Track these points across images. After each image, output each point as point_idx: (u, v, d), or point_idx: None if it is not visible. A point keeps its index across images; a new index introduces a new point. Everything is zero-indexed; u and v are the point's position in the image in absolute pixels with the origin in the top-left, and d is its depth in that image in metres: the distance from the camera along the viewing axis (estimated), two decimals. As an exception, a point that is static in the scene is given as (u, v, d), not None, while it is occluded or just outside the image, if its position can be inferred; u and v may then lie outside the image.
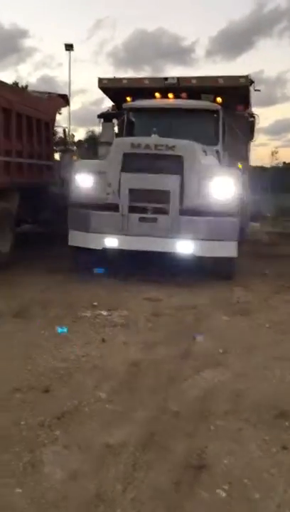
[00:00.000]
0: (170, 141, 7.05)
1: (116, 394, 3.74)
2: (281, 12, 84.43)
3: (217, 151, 8.27)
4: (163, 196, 6.98)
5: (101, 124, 9.08)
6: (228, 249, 7.02)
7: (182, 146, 7.04)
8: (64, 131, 11.67)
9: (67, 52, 33.19)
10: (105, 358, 4.43)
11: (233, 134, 8.99)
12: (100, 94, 10.44)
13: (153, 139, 7.19)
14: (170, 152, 7.01)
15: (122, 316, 5.66)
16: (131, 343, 4.82)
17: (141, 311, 5.86)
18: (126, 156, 7.12)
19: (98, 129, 9.28)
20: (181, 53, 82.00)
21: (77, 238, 7.33)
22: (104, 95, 9.62)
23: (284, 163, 37.77)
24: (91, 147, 26.37)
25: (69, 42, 33.38)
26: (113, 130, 8.78)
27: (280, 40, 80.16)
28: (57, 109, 11.20)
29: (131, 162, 7.10)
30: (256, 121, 8.76)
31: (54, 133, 11.52)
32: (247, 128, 8.75)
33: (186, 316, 5.79)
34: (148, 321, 5.52)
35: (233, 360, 4.46)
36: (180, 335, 5.12)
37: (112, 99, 9.43)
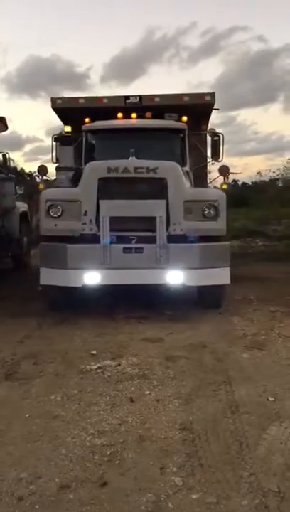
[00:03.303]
0: (151, 163, 6.42)
1: (192, 476, 2.99)
2: (168, 40, 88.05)
3: (187, 172, 7.77)
4: (148, 223, 6.32)
5: (56, 148, 8.24)
6: (221, 277, 6.47)
7: (164, 167, 6.44)
8: (4, 156, 10.65)
9: None
10: (147, 425, 3.65)
11: (198, 154, 8.58)
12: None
13: (131, 161, 6.54)
14: (152, 175, 6.38)
15: (133, 365, 4.87)
16: (164, 400, 4.07)
17: (150, 356, 5.12)
18: (102, 181, 6.39)
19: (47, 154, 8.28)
20: (77, 79, 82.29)
21: (52, 276, 6.43)
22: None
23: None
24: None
25: None
26: (72, 154, 7.98)
27: (169, 67, 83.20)
28: (-4, 134, 10.19)
29: (109, 188, 6.38)
30: (221, 139, 8.39)
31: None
32: (213, 147, 8.34)
33: (202, 357, 5.13)
34: (166, 368, 4.78)
35: (290, 409, 3.87)
36: (211, 382, 4.45)
37: (65, 121, 8.66)
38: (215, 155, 8.42)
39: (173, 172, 6.48)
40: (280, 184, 24.53)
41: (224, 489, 2.85)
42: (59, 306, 6.91)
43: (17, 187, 11.69)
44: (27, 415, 3.83)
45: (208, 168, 9.37)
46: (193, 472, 3.03)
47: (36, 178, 12.21)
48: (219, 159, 8.38)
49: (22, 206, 11.90)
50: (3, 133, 10.73)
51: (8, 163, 10.75)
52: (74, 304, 6.96)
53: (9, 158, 10.81)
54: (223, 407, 3.95)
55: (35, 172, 11.60)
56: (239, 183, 33.46)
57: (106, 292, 7.11)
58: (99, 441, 3.40)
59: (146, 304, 7.12)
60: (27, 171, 29.55)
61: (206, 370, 4.76)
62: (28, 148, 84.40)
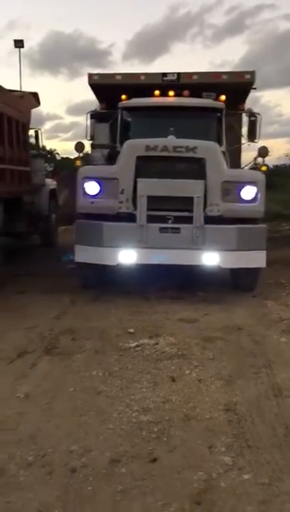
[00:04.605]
0: (191, 142, 6.34)
1: (241, 456, 3.00)
2: (193, 17, 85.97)
3: (224, 153, 7.65)
4: (185, 204, 6.26)
5: (91, 125, 8.17)
6: (258, 260, 6.41)
7: (204, 147, 6.35)
8: (36, 133, 10.63)
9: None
10: (191, 404, 3.66)
11: (233, 134, 8.45)
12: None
13: (170, 140, 6.46)
14: (191, 154, 6.31)
15: (171, 344, 4.88)
16: (206, 381, 4.08)
17: (187, 336, 5.11)
18: (140, 159, 6.33)
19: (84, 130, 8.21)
20: (98, 56, 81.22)
21: (88, 254, 6.44)
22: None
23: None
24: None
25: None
26: (107, 131, 7.92)
27: (193, 45, 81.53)
28: (31, 110, 10.16)
29: (147, 166, 6.33)
30: (258, 120, 8.24)
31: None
32: (250, 128, 8.19)
33: (240, 339, 5.11)
34: (204, 349, 4.78)
35: None
36: (251, 364, 4.45)
37: (101, 98, 8.56)
38: (252, 135, 8.26)
39: (213, 152, 6.40)
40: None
41: (274, 471, 2.85)
42: (92, 284, 6.92)
43: (46, 164, 11.66)
44: (71, 389, 3.87)
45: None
46: (242, 453, 3.03)
47: (56, 155, 12.23)
48: (256, 140, 8.23)
49: (51, 183, 11.92)
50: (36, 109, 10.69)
51: (40, 140, 10.73)
52: (107, 281, 6.97)
53: (41, 134, 10.79)
54: (265, 389, 3.94)
55: (55, 150, 11.61)
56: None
57: (138, 271, 7.10)
58: (145, 418, 3.43)
59: (179, 284, 7.10)
60: (48, 148, 29.49)
61: (245, 352, 4.75)
62: (48, 125, 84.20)
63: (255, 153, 7.67)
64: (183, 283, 7.18)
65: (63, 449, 3.03)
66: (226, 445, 3.12)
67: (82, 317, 5.82)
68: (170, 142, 6.38)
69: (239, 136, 8.90)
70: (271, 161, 29.82)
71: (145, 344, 4.87)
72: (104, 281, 6.96)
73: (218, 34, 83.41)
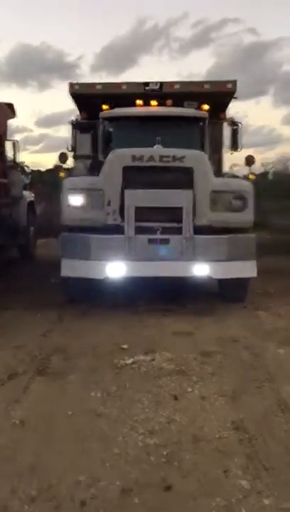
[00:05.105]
0: (178, 152, 6.22)
1: (258, 479, 2.84)
2: (159, 30, 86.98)
3: (208, 162, 7.56)
4: (174, 214, 6.12)
5: (72, 135, 7.99)
6: (248, 270, 6.31)
7: (192, 156, 6.25)
8: (13, 144, 10.37)
9: None
10: (198, 423, 3.49)
11: (215, 143, 8.40)
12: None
13: (157, 149, 6.35)
14: (178, 164, 6.19)
15: (168, 360, 4.71)
16: (209, 398, 3.92)
17: (183, 351, 4.95)
18: (126, 169, 6.18)
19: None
20: (66, 68, 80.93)
21: (74, 268, 6.22)
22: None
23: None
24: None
25: None
26: (89, 142, 7.75)
27: (160, 57, 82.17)
28: (7, 121, 9.91)
29: (134, 177, 6.17)
30: (240, 129, 8.21)
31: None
32: (233, 137, 8.16)
33: (238, 352, 4.98)
34: (202, 364, 4.62)
35: None
36: (253, 378, 4.32)
37: (82, 107, 8.39)
38: (234, 144, 8.23)
39: (201, 161, 6.30)
40: (271, 177, 24.54)
41: (297, 495, 2.70)
42: (79, 298, 6.71)
43: (23, 176, 11.41)
44: (69, 412, 3.66)
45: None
46: (259, 475, 2.88)
47: (25, 168, 12.01)
48: (239, 149, 8.20)
49: (29, 196, 11.66)
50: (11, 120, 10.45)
51: (17, 152, 10.47)
52: (93, 295, 6.77)
53: (18, 146, 10.54)
54: (271, 405, 3.81)
55: (24, 162, 11.43)
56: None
57: (124, 283, 6.91)
58: (152, 441, 3.24)
59: (167, 296, 6.96)
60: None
61: (245, 366, 4.61)
62: (17, 138, 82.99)
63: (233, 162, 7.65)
64: (170, 295, 7.04)
65: (69, 480, 2.82)
66: (241, 467, 2.95)
67: (72, 334, 5.60)
68: (156, 152, 6.26)
69: (221, 144, 8.86)
70: (243, 171, 30.13)
71: (141, 361, 4.69)
72: (91, 295, 6.75)
73: (185, 47, 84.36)
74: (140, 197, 6.12)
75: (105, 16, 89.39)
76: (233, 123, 8.23)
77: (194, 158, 6.27)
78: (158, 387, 4.12)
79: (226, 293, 6.93)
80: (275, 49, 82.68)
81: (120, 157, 6.29)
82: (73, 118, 8.25)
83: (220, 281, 6.81)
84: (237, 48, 79.16)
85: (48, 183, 18.66)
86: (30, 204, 11.53)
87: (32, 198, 11.83)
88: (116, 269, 6.19)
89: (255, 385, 4.18)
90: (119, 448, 3.17)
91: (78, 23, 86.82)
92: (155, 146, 6.41)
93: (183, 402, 3.84)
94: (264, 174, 24.20)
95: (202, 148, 7.69)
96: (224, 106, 8.63)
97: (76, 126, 7.90)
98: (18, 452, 3.11)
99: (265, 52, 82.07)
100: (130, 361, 4.66)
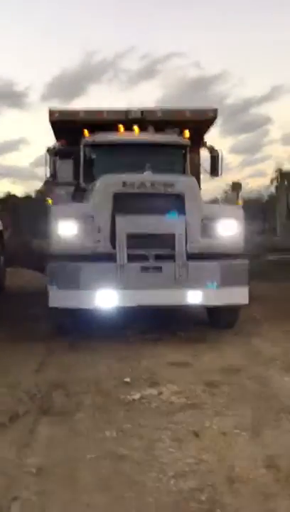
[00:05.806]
0: (168, 178, 6.18)
1: (310, 521, 2.68)
2: (108, 63, 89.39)
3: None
4: (167, 241, 6.02)
5: (51, 162, 7.79)
6: (241, 296, 6.24)
7: (182, 183, 6.20)
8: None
9: None
10: (228, 463, 3.31)
11: (195, 168, 8.44)
12: None
13: (148, 176, 6.26)
14: (169, 190, 6.11)
15: (176, 393, 4.53)
16: (231, 433, 3.75)
17: (189, 383, 4.78)
18: (117, 196, 6.05)
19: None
20: (14, 97, 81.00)
21: (64, 298, 5.98)
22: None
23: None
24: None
25: None
26: (71, 168, 7.57)
27: (110, 87, 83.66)
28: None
29: (125, 203, 6.05)
30: (219, 155, 8.27)
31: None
32: (212, 163, 8.20)
33: (244, 382, 4.85)
34: (213, 396, 4.47)
35: None
36: (268, 409, 4.19)
37: (60, 135, 8.23)
38: (215, 171, 8.29)
39: (191, 187, 6.26)
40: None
41: None
42: (68, 329, 6.44)
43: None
44: (88, 456, 3.39)
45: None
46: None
47: None
48: (219, 175, 8.26)
49: (-4, 225, 11.27)
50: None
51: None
52: (82, 324, 6.52)
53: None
54: (293, 438, 3.68)
55: None
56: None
57: (112, 312, 6.70)
58: (185, 486, 3.03)
59: (156, 324, 6.81)
60: None
61: (255, 397, 4.48)
62: None
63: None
64: (159, 322, 6.89)
65: (108, 537, 2.57)
66: (287, 510, 2.79)
67: (67, 367, 5.33)
68: (147, 178, 6.18)
69: (199, 169, 8.90)
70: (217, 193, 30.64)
71: (148, 395, 4.48)
72: (78, 324, 6.50)
73: (133, 78, 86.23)
74: (132, 223, 5.99)
75: (54, 48, 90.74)
76: (212, 150, 8.30)
77: (184, 184, 6.23)
78: (175, 423, 3.91)
79: (216, 319, 6.83)
80: (219, 82, 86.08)
81: (110, 183, 6.17)
82: (50, 146, 8.07)
83: (209, 308, 6.73)
84: (182, 81, 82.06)
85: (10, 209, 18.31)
86: (-1, 233, 11.15)
87: (0, 227, 11.45)
88: (107, 299, 5.98)
89: (272, 417, 4.05)
90: (152, 495, 2.94)
91: (27, 54, 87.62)
92: (145, 173, 6.31)
93: (205, 439, 3.65)
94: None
95: (184, 173, 7.71)
96: (203, 133, 8.69)
97: (57, 153, 7.71)
98: (46, 507, 2.82)
99: (209, 84, 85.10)
100: (137, 396, 4.44)
